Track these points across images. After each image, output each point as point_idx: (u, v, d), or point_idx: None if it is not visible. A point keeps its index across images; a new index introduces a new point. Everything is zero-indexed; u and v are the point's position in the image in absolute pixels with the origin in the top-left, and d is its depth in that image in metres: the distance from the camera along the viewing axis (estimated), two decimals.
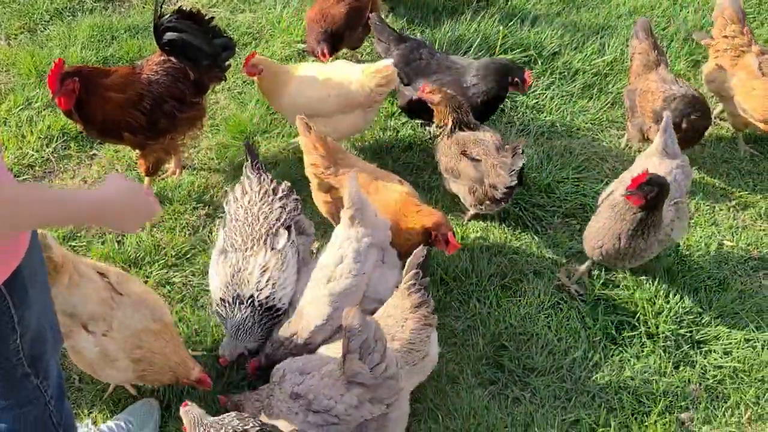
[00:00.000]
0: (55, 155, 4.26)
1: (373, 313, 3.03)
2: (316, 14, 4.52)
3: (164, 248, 3.83)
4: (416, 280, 2.94)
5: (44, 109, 4.47)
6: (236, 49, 4.10)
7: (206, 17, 3.80)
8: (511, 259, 3.84)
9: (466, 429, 3.18)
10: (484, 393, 3.31)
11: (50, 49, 4.76)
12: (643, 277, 3.73)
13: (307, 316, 3.13)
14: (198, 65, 3.77)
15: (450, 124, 3.82)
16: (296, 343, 3.11)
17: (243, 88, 4.71)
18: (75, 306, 2.86)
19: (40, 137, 4.29)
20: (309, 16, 4.58)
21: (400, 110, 4.43)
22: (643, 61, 4.25)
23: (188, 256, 3.82)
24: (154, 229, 3.89)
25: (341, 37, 4.53)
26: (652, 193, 3.19)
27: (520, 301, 3.65)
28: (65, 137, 4.33)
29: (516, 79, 3.94)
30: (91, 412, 3.23)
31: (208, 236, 3.90)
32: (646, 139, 4.18)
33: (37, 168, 4.20)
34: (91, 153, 4.31)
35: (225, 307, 3.17)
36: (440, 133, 3.88)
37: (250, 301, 3.13)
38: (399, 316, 2.96)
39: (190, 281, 3.71)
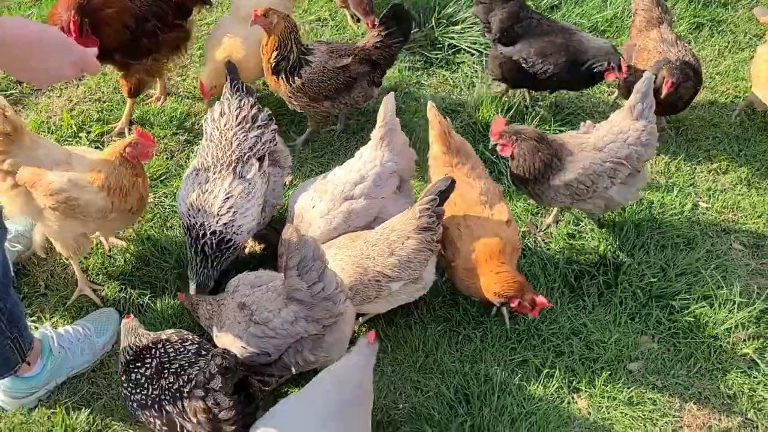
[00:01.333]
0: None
1: None
2: None
3: None
4: (431, 206, 2.98)
5: None
6: None
7: None
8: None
9: (414, 359, 3.24)
10: (436, 329, 3.35)
11: None
12: (612, 232, 3.72)
13: (315, 226, 3.17)
14: None
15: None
16: None
17: None
18: (39, 159, 3.02)
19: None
20: None
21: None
22: (645, 17, 4.14)
23: (163, 178, 3.89)
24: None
25: None
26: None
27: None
28: None
29: (612, 64, 3.83)
30: (52, 317, 3.34)
31: (185, 161, 3.96)
32: None
33: (24, 84, 4.27)
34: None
35: (187, 228, 3.18)
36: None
37: (208, 230, 3.12)
38: (402, 232, 3.01)
39: (161, 202, 3.78)
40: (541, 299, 3.00)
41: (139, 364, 2.75)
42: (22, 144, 3.04)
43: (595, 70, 3.87)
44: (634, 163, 3.34)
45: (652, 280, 3.51)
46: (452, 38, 4.59)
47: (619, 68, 3.78)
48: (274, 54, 3.65)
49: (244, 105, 3.32)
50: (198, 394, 2.54)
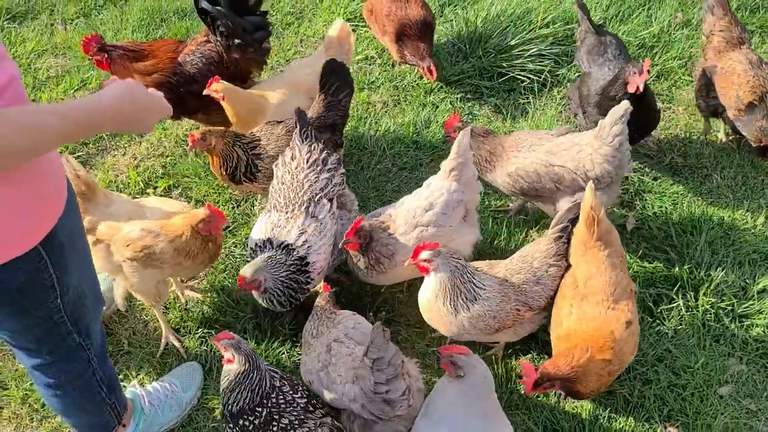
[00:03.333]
0: (107, 133, 4.46)
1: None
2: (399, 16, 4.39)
3: None
4: (564, 234, 3.07)
5: (98, 89, 4.68)
6: (271, 31, 4.06)
7: None
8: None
9: (498, 396, 3.21)
10: (517, 363, 3.32)
11: (103, 32, 4.95)
12: (685, 251, 3.66)
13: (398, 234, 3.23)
14: (229, 42, 3.85)
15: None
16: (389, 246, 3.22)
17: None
18: (113, 214, 3.16)
19: None
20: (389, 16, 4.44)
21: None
22: (725, 37, 3.97)
23: (231, 228, 3.95)
24: (199, 204, 4.04)
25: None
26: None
27: None
28: None
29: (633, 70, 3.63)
30: (138, 374, 3.41)
31: (250, 210, 4.02)
32: (718, 117, 4.05)
33: (90, 145, 4.40)
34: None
35: (258, 250, 3.20)
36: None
37: (284, 246, 3.15)
38: (544, 261, 3.08)
39: (232, 252, 3.84)
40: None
41: (248, 412, 2.77)
42: (97, 201, 3.18)
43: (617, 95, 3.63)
44: (581, 177, 3.35)
45: (733, 300, 3.44)
46: (502, 66, 4.60)
47: (641, 72, 3.49)
48: (224, 169, 3.57)
49: (314, 149, 3.38)
50: None
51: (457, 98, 4.55)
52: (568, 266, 3.07)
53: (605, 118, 3.36)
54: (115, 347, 3.50)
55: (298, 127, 3.44)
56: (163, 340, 3.46)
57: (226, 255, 3.82)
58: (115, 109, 2.03)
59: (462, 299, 2.93)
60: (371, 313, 3.55)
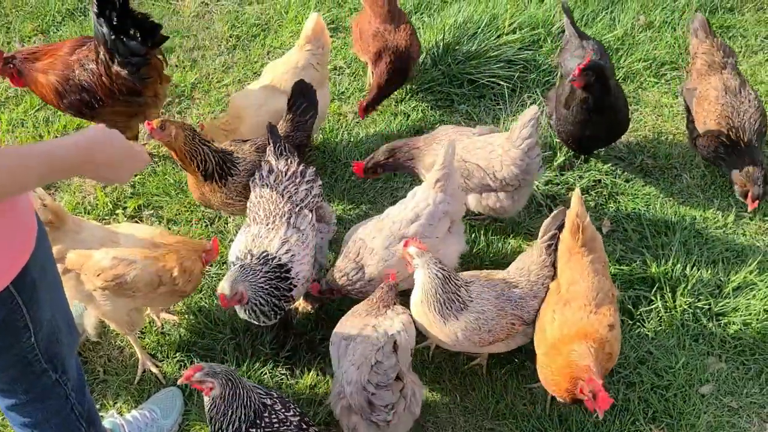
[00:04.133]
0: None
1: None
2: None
3: None
4: (554, 241, 3.06)
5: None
6: (146, 59, 3.69)
7: (136, 16, 3.56)
8: (527, 237, 3.84)
9: (485, 407, 3.21)
10: (501, 372, 3.32)
11: None
12: (660, 252, 3.71)
13: (374, 263, 3.18)
14: (112, 59, 3.66)
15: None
16: (360, 280, 3.21)
17: (253, 79, 4.73)
18: (84, 241, 3.05)
19: (56, 136, 4.36)
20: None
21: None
22: (706, 61, 3.97)
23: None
24: (171, 223, 3.95)
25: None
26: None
27: None
28: None
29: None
30: (116, 403, 3.31)
31: (224, 227, 3.95)
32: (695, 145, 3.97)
33: None
34: None
35: (239, 262, 3.10)
36: None
37: (264, 256, 3.07)
38: (540, 273, 3.07)
39: (207, 271, 3.76)
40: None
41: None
42: (67, 229, 3.05)
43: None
44: (489, 177, 3.43)
45: (710, 298, 3.49)
46: (471, 73, 4.61)
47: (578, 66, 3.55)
48: (195, 165, 3.40)
49: (291, 162, 3.36)
50: None
51: (428, 106, 4.54)
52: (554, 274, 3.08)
53: (519, 122, 3.42)
54: (90, 375, 3.39)
55: (271, 143, 3.39)
56: (140, 367, 3.37)
57: (202, 274, 3.74)
58: (87, 155, 1.98)
59: (447, 308, 2.90)
60: None
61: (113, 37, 3.57)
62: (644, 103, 4.54)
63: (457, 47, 4.70)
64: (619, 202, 3.99)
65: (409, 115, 4.49)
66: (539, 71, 4.64)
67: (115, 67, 3.68)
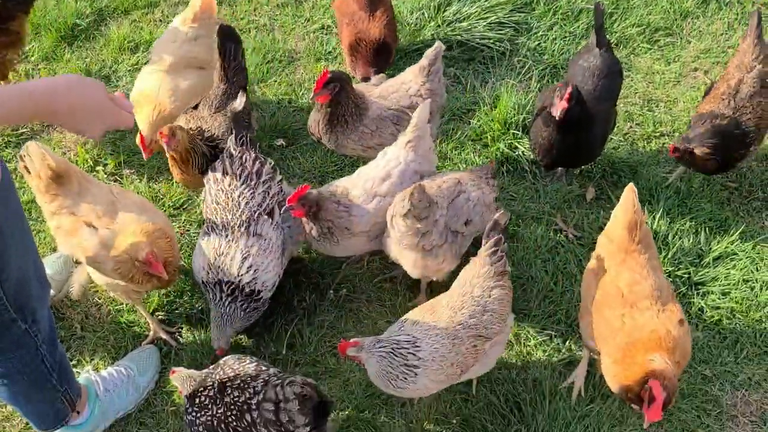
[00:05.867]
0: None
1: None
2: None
3: (162, 198, 3.86)
4: (498, 247, 2.87)
5: (40, 62, 4.48)
6: None
7: None
8: (509, 204, 3.81)
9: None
10: None
11: (44, 1, 4.72)
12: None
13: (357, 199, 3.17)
14: None
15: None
16: (344, 216, 3.15)
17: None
18: (86, 205, 3.03)
19: None
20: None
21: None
22: (738, 60, 3.67)
23: (185, 206, 3.85)
24: (152, 181, 3.92)
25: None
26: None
27: (517, 246, 3.64)
28: None
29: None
30: (92, 359, 3.32)
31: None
32: None
33: (34, 123, 4.21)
34: None
35: (209, 290, 3.11)
36: None
37: (230, 288, 3.06)
38: (485, 285, 2.85)
39: (187, 230, 3.74)
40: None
41: (201, 389, 2.76)
42: (70, 189, 3.05)
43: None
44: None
45: (690, 267, 3.48)
46: (460, 35, 4.52)
47: (561, 98, 3.27)
48: (197, 168, 3.40)
49: (246, 161, 3.23)
50: (268, 407, 2.57)
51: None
52: (602, 274, 2.88)
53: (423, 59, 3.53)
54: (68, 332, 3.39)
55: (233, 133, 3.31)
56: (151, 335, 3.34)
57: (182, 234, 3.72)
58: (45, 104, 1.89)
59: (401, 379, 2.74)
60: (332, 290, 3.51)
61: None
62: (636, 69, 4.46)
63: (447, 8, 4.61)
64: (604, 169, 3.95)
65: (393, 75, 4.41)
66: (530, 34, 4.56)
67: None
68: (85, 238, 2.99)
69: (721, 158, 3.49)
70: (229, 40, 3.65)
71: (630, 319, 2.74)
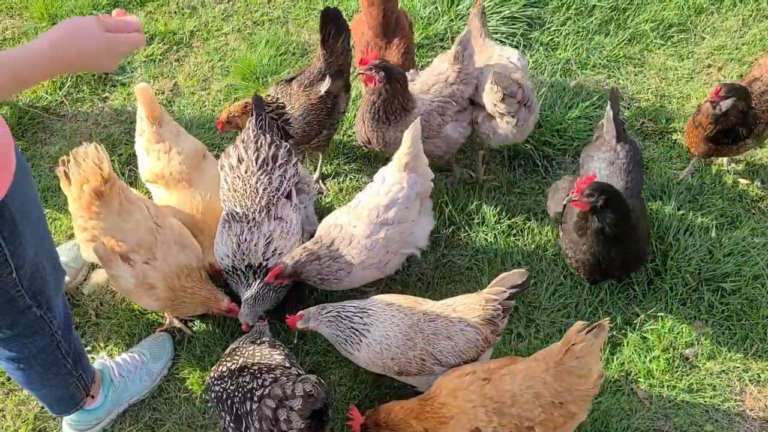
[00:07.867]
0: (69, 98, 4.32)
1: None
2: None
3: None
4: (500, 298, 2.81)
5: None
6: None
7: None
8: (520, 198, 3.83)
9: None
10: None
11: None
12: (655, 216, 3.69)
13: (358, 244, 3.08)
14: None
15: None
16: (337, 264, 3.09)
17: (253, 29, 4.67)
18: (125, 232, 2.94)
19: (53, 80, 4.33)
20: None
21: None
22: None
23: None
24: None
25: None
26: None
27: (527, 239, 3.65)
28: (78, 80, 4.38)
29: None
30: (107, 345, 3.36)
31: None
32: None
33: (51, 111, 4.26)
34: (104, 96, 4.36)
35: (238, 275, 3.15)
36: None
37: (261, 270, 3.12)
38: (465, 317, 2.82)
39: None
40: None
41: (229, 359, 2.83)
42: (110, 208, 2.90)
43: None
44: (459, 100, 3.47)
45: (700, 263, 3.49)
46: None
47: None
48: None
49: (261, 145, 3.24)
50: (269, 404, 2.57)
51: (428, 62, 4.47)
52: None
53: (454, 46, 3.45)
54: (83, 318, 3.44)
55: (254, 114, 3.32)
56: (166, 323, 3.39)
57: None
58: (55, 58, 1.81)
59: (350, 344, 2.82)
60: None
61: None
62: (649, 65, 4.46)
63: (460, 2, 4.61)
64: None
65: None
66: (543, 29, 4.56)
67: None
68: (121, 275, 2.99)
69: (734, 121, 3.42)
70: (330, 22, 3.59)
71: None
